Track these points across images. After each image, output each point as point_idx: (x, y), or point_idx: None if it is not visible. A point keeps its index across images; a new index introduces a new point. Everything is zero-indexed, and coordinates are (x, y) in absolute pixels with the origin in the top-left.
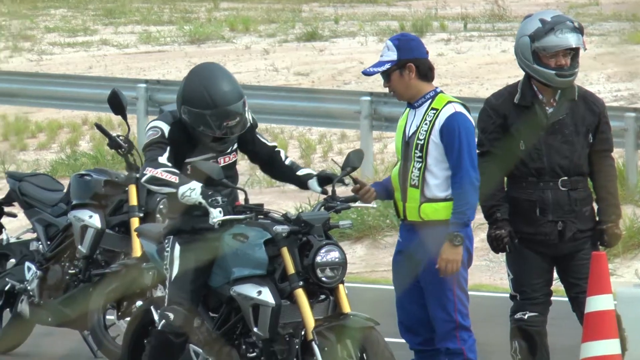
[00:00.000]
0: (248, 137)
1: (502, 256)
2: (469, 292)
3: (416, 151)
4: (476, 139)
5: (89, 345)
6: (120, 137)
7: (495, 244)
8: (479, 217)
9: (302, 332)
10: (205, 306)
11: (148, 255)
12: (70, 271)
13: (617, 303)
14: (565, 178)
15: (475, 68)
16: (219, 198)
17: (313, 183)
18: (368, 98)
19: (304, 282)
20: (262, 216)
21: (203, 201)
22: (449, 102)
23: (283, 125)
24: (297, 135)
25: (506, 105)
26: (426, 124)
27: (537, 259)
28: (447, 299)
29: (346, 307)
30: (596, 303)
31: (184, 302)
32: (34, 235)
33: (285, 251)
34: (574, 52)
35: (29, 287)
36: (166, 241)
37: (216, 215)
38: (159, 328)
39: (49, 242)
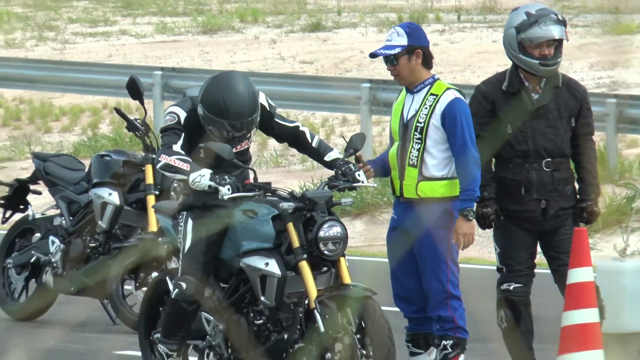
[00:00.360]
0: (267, 124)
1: (490, 231)
2: (460, 265)
3: (415, 133)
4: None
5: (108, 313)
6: (138, 121)
7: (483, 221)
8: None
9: (306, 301)
10: (216, 277)
11: (164, 229)
12: (90, 244)
13: (597, 275)
14: (549, 159)
15: (467, 57)
16: (227, 177)
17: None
18: (368, 85)
19: (308, 255)
20: (269, 194)
21: (212, 183)
22: (448, 88)
23: (289, 110)
24: (301, 119)
25: (495, 92)
26: (426, 108)
27: (522, 234)
28: (440, 271)
29: (346, 278)
30: (577, 275)
31: (196, 273)
32: (58, 211)
33: (290, 226)
34: (557, 43)
35: (52, 259)
36: (180, 216)
37: (225, 192)
38: (173, 296)
39: (71, 218)
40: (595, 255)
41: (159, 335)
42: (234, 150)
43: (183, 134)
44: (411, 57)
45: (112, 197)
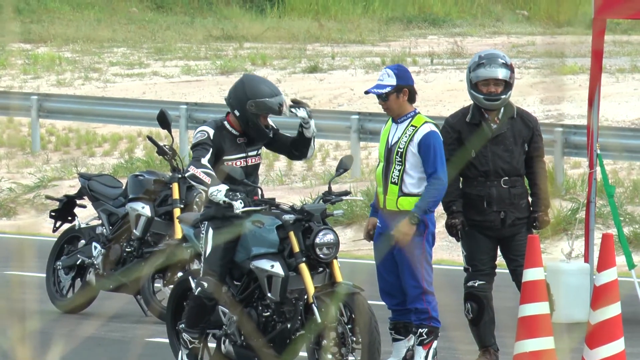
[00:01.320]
0: (275, 137)
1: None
2: (433, 266)
3: (397, 157)
4: None
5: (141, 306)
6: (166, 147)
7: (451, 230)
8: (440, 208)
9: (305, 297)
10: (230, 276)
11: (187, 237)
12: (126, 249)
13: (547, 274)
14: (507, 178)
15: (439, 93)
16: (239, 194)
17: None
18: (356, 117)
19: (306, 258)
20: (274, 207)
21: (226, 199)
22: (426, 122)
23: None
24: None
25: (460, 123)
26: (406, 136)
27: (485, 240)
28: (416, 271)
29: (338, 277)
30: (531, 274)
31: (215, 274)
32: (99, 222)
33: (292, 234)
34: (505, 83)
35: (95, 262)
36: (202, 225)
37: (237, 206)
38: (196, 294)
39: (110, 227)
40: (545, 258)
41: (183, 325)
42: (252, 162)
43: (211, 150)
44: (399, 95)
45: (145, 210)
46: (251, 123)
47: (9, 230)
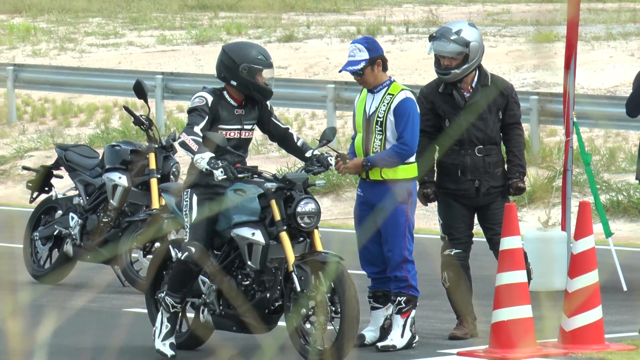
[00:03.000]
0: (266, 119)
1: (433, 206)
2: None
3: (377, 126)
4: None
5: (119, 277)
6: (143, 117)
7: (424, 199)
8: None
9: (285, 266)
10: (211, 245)
11: (169, 206)
12: (104, 220)
13: (524, 243)
14: (481, 147)
15: (415, 62)
16: (220, 162)
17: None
18: (332, 86)
19: (287, 227)
20: (256, 175)
21: (207, 167)
22: (402, 89)
23: None
24: (278, 114)
25: (433, 94)
26: (384, 105)
27: (461, 208)
28: (400, 238)
29: (319, 247)
30: (508, 243)
31: (201, 240)
32: (76, 192)
33: (273, 203)
34: (463, 56)
35: (72, 232)
36: (185, 193)
37: (217, 175)
38: (182, 259)
39: (87, 198)
40: (522, 226)
41: (165, 291)
42: (246, 135)
43: (207, 117)
44: (373, 67)
45: (122, 180)
46: (251, 86)
47: None
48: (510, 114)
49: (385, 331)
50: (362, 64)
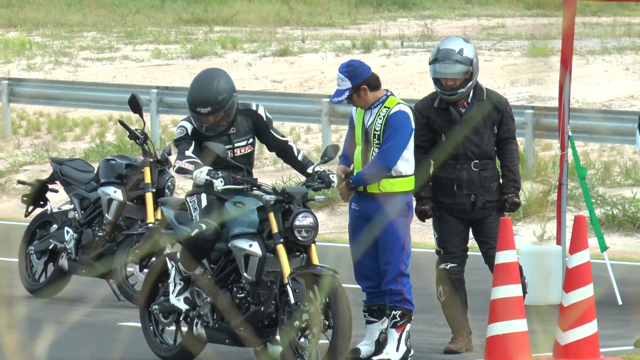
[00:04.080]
0: (263, 132)
1: (429, 221)
2: None
3: (374, 139)
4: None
5: (114, 291)
6: (138, 131)
7: (421, 216)
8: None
9: (280, 280)
10: (207, 259)
11: (167, 219)
12: (99, 234)
13: (519, 256)
14: (477, 161)
15: (409, 76)
16: (220, 172)
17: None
18: (327, 100)
19: (284, 240)
20: (255, 187)
21: (207, 177)
22: (398, 103)
23: None
24: None
25: (428, 108)
26: (380, 118)
27: (456, 222)
28: (398, 252)
29: (315, 260)
30: (503, 257)
31: (212, 221)
32: (71, 206)
33: (271, 215)
34: (470, 73)
35: (67, 246)
36: (190, 197)
37: (218, 184)
38: (192, 235)
39: (83, 212)
40: (517, 240)
41: (178, 262)
42: (240, 153)
43: (193, 142)
44: (359, 93)
45: (117, 194)
46: (195, 123)
47: None
48: (505, 129)
49: (380, 345)
50: (347, 94)
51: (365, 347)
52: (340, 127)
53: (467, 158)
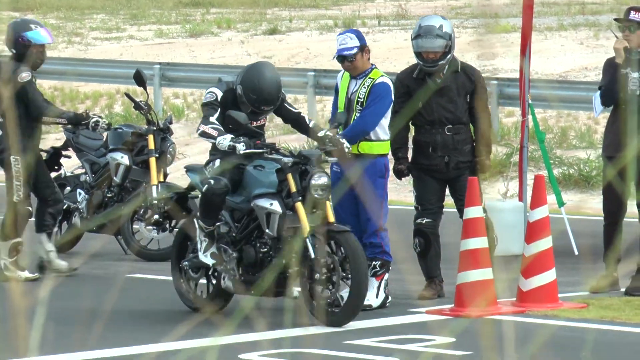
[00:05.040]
0: (279, 106)
1: (405, 180)
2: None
3: (357, 106)
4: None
5: (121, 245)
6: (142, 102)
7: (398, 174)
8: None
9: (300, 234)
10: (232, 217)
11: (193, 184)
12: (108, 195)
13: (488, 212)
14: (450, 126)
15: (386, 52)
16: (242, 138)
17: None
18: (312, 73)
19: (302, 198)
20: (274, 151)
21: (230, 143)
22: (382, 75)
23: None
24: None
25: (408, 78)
26: (364, 87)
27: (432, 182)
28: (377, 209)
29: (331, 218)
30: (470, 212)
31: (222, 178)
32: (83, 170)
33: (289, 176)
34: (449, 47)
35: (79, 207)
36: (207, 167)
37: (240, 148)
38: (204, 190)
39: (93, 175)
40: (484, 197)
41: (198, 218)
42: (257, 124)
43: (219, 109)
44: (363, 53)
45: (124, 159)
46: (244, 109)
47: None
48: (478, 98)
49: None
50: (355, 50)
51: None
52: (325, 97)
53: (441, 123)
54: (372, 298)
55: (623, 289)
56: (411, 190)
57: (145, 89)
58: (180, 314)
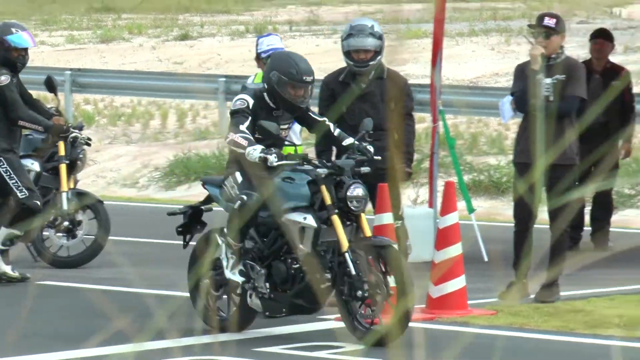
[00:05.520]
0: (302, 115)
1: None
2: None
3: None
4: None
5: (31, 253)
6: (53, 109)
7: None
8: None
9: (335, 249)
10: (258, 233)
11: (213, 197)
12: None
13: (405, 220)
14: (372, 132)
15: None
16: (273, 149)
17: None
18: (223, 79)
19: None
20: (306, 162)
21: (261, 154)
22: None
23: (165, 99)
24: (175, 105)
25: (334, 82)
26: None
27: None
28: None
29: (368, 231)
30: (380, 219)
31: (252, 194)
32: None
33: (324, 188)
34: (374, 51)
35: None
36: (226, 181)
37: (272, 159)
38: (236, 207)
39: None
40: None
41: (225, 235)
42: (283, 135)
43: (250, 117)
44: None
45: (34, 165)
46: (277, 95)
47: None
48: (402, 105)
49: None
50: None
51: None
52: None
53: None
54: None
55: (533, 296)
56: None
57: (56, 95)
58: (91, 320)
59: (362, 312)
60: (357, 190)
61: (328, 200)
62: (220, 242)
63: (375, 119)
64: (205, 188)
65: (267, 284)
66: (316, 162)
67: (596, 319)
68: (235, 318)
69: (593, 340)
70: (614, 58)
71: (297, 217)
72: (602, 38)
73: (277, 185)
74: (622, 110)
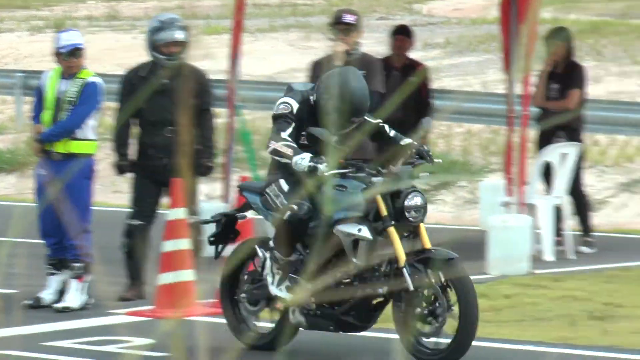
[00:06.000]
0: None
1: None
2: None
3: (68, 105)
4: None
5: None
6: None
7: (119, 170)
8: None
9: (390, 262)
10: (302, 244)
11: (252, 205)
12: None
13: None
14: (171, 127)
15: (96, 52)
16: (323, 157)
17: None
18: (22, 74)
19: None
20: (359, 170)
21: (311, 164)
22: (93, 75)
23: None
24: None
25: (134, 77)
26: (76, 87)
27: (150, 185)
28: (81, 211)
29: (427, 243)
30: (173, 214)
31: (305, 202)
32: None
33: (379, 198)
34: (184, 43)
35: None
36: (268, 189)
37: (323, 169)
38: (287, 218)
39: None
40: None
41: (273, 250)
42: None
43: (293, 123)
44: (83, 52)
45: None
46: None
47: None
48: (202, 100)
49: (61, 294)
50: (83, 45)
51: (49, 296)
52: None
53: (162, 124)
54: (73, 300)
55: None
56: (116, 191)
57: None
58: None
59: (424, 330)
60: (415, 199)
61: (384, 211)
62: (261, 254)
63: (174, 114)
64: (242, 195)
65: (313, 299)
66: (370, 170)
67: None
68: (274, 335)
69: None
70: (413, 54)
71: (351, 228)
72: (402, 35)
73: (329, 194)
74: (418, 107)
